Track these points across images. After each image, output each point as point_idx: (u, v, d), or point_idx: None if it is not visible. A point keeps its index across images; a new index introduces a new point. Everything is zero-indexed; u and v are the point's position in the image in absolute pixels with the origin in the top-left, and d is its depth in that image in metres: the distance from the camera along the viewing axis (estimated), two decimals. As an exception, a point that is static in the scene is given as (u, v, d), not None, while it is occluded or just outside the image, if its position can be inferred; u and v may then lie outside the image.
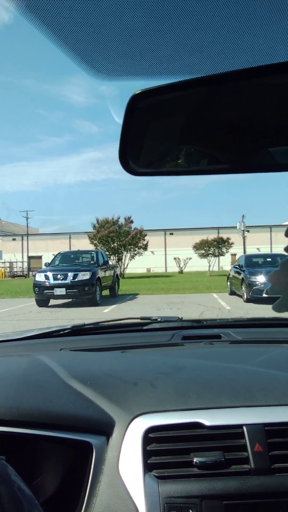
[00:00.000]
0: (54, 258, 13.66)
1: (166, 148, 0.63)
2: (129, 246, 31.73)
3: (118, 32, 0.61)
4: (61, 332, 1.59)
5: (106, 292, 13.59)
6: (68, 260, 13.43)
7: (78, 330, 1.61)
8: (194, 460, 0.81)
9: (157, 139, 0.62)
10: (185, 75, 0.72)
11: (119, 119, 0.77)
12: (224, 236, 34.28)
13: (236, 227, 36.33)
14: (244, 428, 0.84)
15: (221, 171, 0.67)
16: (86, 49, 0.61)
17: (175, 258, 38.17)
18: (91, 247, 28.37)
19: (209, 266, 32.82)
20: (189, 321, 1.71)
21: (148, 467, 0.82)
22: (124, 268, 30.77)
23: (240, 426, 0.85)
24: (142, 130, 0.58)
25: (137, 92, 0.52)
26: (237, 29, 0.66)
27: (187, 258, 36.57)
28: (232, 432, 0.85)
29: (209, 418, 0.86)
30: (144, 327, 1.64)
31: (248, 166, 0.66)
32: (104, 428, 0.88)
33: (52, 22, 0.54)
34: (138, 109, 0.54)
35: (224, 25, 0.65)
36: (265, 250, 41.95)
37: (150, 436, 0.85)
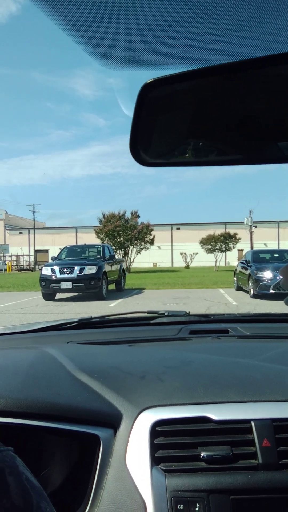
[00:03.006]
0: (60, 252, 13.71)
1: (176, 138, 0.62)
2: (136, 241, 31.72)
3: (129, 21, 0.60)
4: (68, 325, 1.59)
5: (112, 287, 13.63)
6: (74, 254, 13.47)
7: (85, 324, 1.61)
8: (202, 454, 0.81)
9: (167, 129, 0.61)
10: (195, 65, 0.71)
11: (127, 111, 0.76)
12: (231, 231, 34.11)
13: (244, 222, 36.18)
14: (252, 423, 0.84)
15: (231, 162, 0.66)
16: (97, 38, 0.60)
17: (181, 253, 38.13)
18: (97, 241, 28.42)
19: (216, 261, 32.71)
20: (196, 315, 1.70)
21: (155, 461, 0.81)
22: (130, 263, 30.78)
23: (248, 421, 0.84)
24: (152, 120, 0.57)
25: (149, 81, 0.51)
26: (250, 19, 0.65)
27: (193, 253, 36.50)
28: (240, 427, 0.84)
29: (216, 413, 0.85)
30: (151, 321, 1.64)
31: (257, 158, 0.65)
32: (112, 421, 0.88)
33: (63, 10, 0.53)
34: (149, 98, 0.53)
35: (237, 14, 0.64)
36: (272, 245, 41.79)
37: (158, 430, 0.84)
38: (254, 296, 11.04)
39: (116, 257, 15.21)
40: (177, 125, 0.60)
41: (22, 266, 46.45)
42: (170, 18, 0.62)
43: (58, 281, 11.38)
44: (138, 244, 32.05)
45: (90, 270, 11.50)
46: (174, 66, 0.72)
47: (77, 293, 12.21)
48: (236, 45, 0.69)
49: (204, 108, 0.59)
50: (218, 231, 35.48)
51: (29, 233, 52.20)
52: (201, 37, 0.66)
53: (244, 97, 0.59)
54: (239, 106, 0.59)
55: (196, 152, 0.63)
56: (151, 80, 0.51)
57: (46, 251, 47.78)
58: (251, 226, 34.76)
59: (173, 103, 0.57)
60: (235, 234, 33.20)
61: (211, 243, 32.89)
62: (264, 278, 10.80)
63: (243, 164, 0.66)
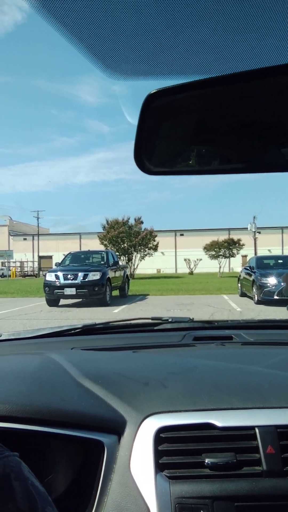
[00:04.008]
0: (64, 258, 13.74)
1: (180, 147, 0.63)
2: (139, 247, 31.75)
3: (133, 32, 0.62)
4: (72, 331, 1.59)
5: (116, 293, 13.62)
6: (78, 260, 13.49)
7: (89, 330, 1.62)
8: (206, 461, 0.81)
9: (171, 138, 0.62)
10: (198, 76, 0.72)
11: (131, 119, 0.77)
12: (235, 237, 34.09)
13: (247, 228, 36.15)
14: (256, 430, 0.84)
15: (234, 171, 0.67)
16: (101, 49, 0.61)
17: (185, 259, 38.11)
18: (101, 248, 28.46)
19: (220, 267, 32.66)
20: (200, 322, 1.70)
21: (159, 467, 0.81)
22: (134, 269, 30.79)
23: (252, 428, 0.84)
24: (156, 129, 0.58)
25: (153, 92, 0.52)
26: (251, 30, 0.66)
27: (197, 259, 36.46)
28: (244, 433, 0.84)
29: (220, 419, 0.85)
30: (155, 327, 1.64)
31: (260, 166, 0.66)
32: (116, 427, 0.88)
33: (68, 21, 0.54)
34: (153, 108, 0.54)
35: (238, 26, 0.65)
36: (276, 251, 41.67)
37: (162, 436, 0.84)
38: (258, 302, 10.99)
39: (120, 263, 15.22)
40: (181, 134, 0.61)
41: (26, 272, 46.59)
42: (173, 29, 0.63)
43: (62, 287, 11.39)
44: (142, 250, 32.09)
45: (94, 276, 11.51)
46: (177, 76, 0.73)
47: (81, 299, 12.21)
48: (238, 56, 0.71)
49: (207, 117, 0.60)
50: (222, 237, 35.46)
51: (33, 239, 52.39)
52: (204, 48, 0.67)
53: (245, 106, 0.60)
54: (241, 114, 0.60)
55: (200, 160, 0.64)
56: (155, 91, 0.52)
57: (50, 257, 47.89)
58: (255, 232, 34.70)
59: (177, 113, 0.58)
60: (239, 240, 33.17)
61: (215, 249, 32.86)
62: (268, 284, 10.76)
63: (246, 173, 0.67)
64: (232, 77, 0.57)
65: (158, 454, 0.83)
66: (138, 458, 0.83)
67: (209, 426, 0.85)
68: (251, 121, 0.60)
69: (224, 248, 32.67)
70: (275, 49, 0.68)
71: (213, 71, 0.73)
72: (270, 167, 0.66)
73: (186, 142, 0.62)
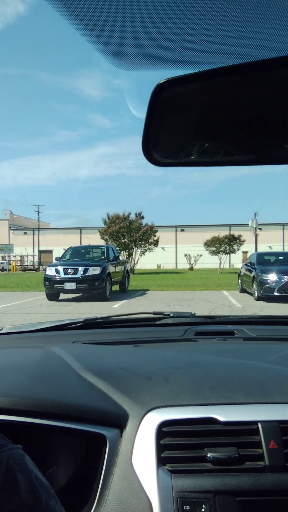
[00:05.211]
0: (64, 253, 13.74)
1: (186, 138, 0.63)
2: (140, 242, 31.74)
3: (141, 21, 0.61)
4: (74, 325, 1.59)
5: (116, 288, 13.63)
6: (78, 254, 13.49)
7: (90, 324, 1.62)
8: (208, 456, 0.81)
9: (178, 129, 0.61)
10: (205, 67, 0.71)
11: (136, 111, 0.76)
12: (236, 234, 34.06)
13: (248, 224, 36.13)
14: (259, 425, 0.83)
15: (238, 163, 0.66)
16: (109, 37, 0.60)
17: (185, 255, 38.11)
18: (102, 242, 28.46)
19: (220, 263, 32.66)
20: (202, 317, 1.70)
21: (161, 461, 0.81)
22: (134, 264, 30.80)
23: (255, 423, 0.84)
24: (164, 120, 0.57)
25: (162, 81, 0.51)
26: (261, 20, 0.65)
27: (197, 255, 36.48)
28: (247, 428, 0.84)
29: (223, 414, 0.85)
30: (157, 322, 1.64)
31: (266, 159, 0.66)
32: (118, 420, 0.88)
33: (76, 10, 0.53)
34: (162, 99, 0.54)
35: (248, 16, 0.64)
36: (277, 248, 41.67)
37: (164, 430, 0.84)
38: (259, 298, 11.00)
39: (120, 258, 15.22)
40: (188, 125, 0.61)
41: (26, 266, 46.61)
42: (183, 18, 0.62)
43: (62, 281, 11.40)
44: (142, 245, 32.08)
45: (94, 271, 11.51)
46: (183, 67, 0.72)
47: (81, 294, 12.22)
48: (247, 47, 0.70)
49: (215, 108, 0.59)
50: (223, 233, 35.39)
51: (33, 234, 52.38)
52: (212, 38, 0.66)
53: (254, 98, 0.59)
54: (249, 106, 0.60)
55: (205, 152, 0.64)
56: (164, 81, 0.51)
57: (51, 252, 47.89)
58: (255, 228, 34.68)
59: (185, 104, 0.58)
60: (240, 236, 33.13)
61: (216, 245, 32.83)
62: (268, 281, 10.76)
63: (250, 165, 0.67)
64: (242, 67, 0.56)
65: (160, 448, 0.83)
66: (140, 452, 0.83)
67: (211, 420, 0.85)
68: (259, 113, 0.60)
69: (225, 244, 32.63)
70: (285, 41, 0.67)
71: (220, 62, 0.72)
72: (277, 160, 0.66)
73: (193, 133, 0.61)
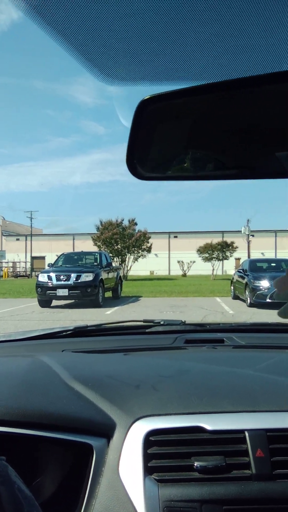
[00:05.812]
0: (57, 259, 13.69)
1: (174, 153, 0.64)
2: (133, 248, 31.76)
3: (127, 38, 0.62)
4: (64, 333, 1.59)
5: (108, 294, 13.59)
6: (71, 261, 13.45)
7: (80, 332, 1.61)
8: (195, 464, 0.81)
9: (164, 144, 0.62)
10: (193, 81, 0.72)
11: (126, 122, 0.77)
12: (229, 240, 34.23)
13: (241, 231, 36.31)
14: (246, 433, 0.84)
15: (228, 177, 0.67)
16: (95, 54, 0.61)
17: (178, 261, 38.15)
18: (94, 249, 28.41)
19: (213, 270, 32.75)
20: (192, 324, 1.71)
21: (148, 470, 0.81)
22: (127, 270, 30.77)
23: (242, 431, 0.84)
24: (150, 135, 0.58)
25: (146, 98, 0.52)
26: (246, 37, 0.67)
27: (190, 262, 36.55)
28: (234, 437, 0.84)
29: (210, 423, 0.86)
30: (147, 330, 1.64)
31: (254, 172, 0.66)
32: (105, 430, 0.88)
33: (60, 26, 0.54)
34: (146, 114, 0.54)
35: (234, 33, 0.66)
36: (269, 255, 41.86)
37: (151, 439, 0.84)
38: (251, 305, 11.04)
39: (113, 264, 15.20)
40: (175, 140, 0.62)
41: (18, 273, 46.33)
42: (169, 35, 0.63)
43: (55, 288, 11.34)
44: (135, 252, 32.09)
45: (87, 277, 11.48)
46: (172, 82, 0.73)
47: (73, 300, 12.17)
48: (234, 63, 0.71)
49: (201, 122, 0.60)
50: (216, 239, 35.56)
51: (26, 240, 52.11)
52: (199, 54, 0.68)
53: (240, 113, 0.60)
54: (236, 121, 0.61)
55: (194, 166, 0.64)
56: (148, 97, 0.52)
57: (43, 258, 47.65)
58: (248, 235, 34.87)
59: (170, 119, 0.59)
60: (232, 242, 33.31)
61: (208, 252, 32.97)
62: (261, 287, 10.81)
63: (239, 179, 0.67)
64: (227, 84, 0.57)
65: (147, 457, 0.83)
66: (127, 461, 0.83)
67: (199, 429, 0.85)
68: (245, 127, 0.61)
69: (218, 250, 32.79)
70: (272, 56, 0.69)
71: (208, 77, 0.73)
72: (266, 174, 0.67)
73: (180, 148, 0.62)
